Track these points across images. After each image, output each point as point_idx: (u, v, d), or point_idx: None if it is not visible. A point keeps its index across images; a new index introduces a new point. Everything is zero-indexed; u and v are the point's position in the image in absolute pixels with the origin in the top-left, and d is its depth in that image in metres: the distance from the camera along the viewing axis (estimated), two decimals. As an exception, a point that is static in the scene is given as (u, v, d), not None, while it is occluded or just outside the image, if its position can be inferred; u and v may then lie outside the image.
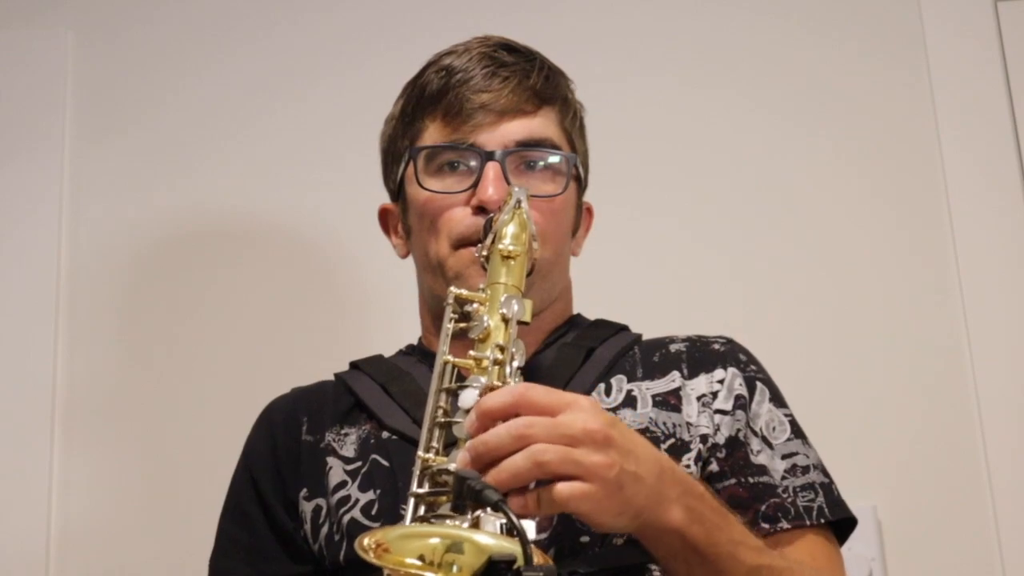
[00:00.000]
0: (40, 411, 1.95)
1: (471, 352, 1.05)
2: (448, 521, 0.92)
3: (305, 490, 1.25)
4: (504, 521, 0.89)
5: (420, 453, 1.00)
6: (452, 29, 2.04)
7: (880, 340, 1.85)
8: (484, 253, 1.16)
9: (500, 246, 1.13)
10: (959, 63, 1.92)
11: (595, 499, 0.94)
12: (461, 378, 1.06)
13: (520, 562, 0.83)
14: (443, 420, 1.03)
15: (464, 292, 1.13)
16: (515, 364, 1.05)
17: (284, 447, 1.29)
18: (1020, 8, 1.94)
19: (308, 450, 1.27)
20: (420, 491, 0.98)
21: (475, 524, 0.90)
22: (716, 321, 1.85)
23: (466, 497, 0.89)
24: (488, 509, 0.89)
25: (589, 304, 1.40)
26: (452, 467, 0.95)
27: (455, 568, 0.85)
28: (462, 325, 1.11)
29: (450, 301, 1.13)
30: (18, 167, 2.07)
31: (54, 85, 2.10)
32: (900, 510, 1.78)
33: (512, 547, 0.84)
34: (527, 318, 1.08)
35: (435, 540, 0.87)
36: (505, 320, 1.07)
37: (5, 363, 1.98)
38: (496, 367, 1.03)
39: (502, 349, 1.04)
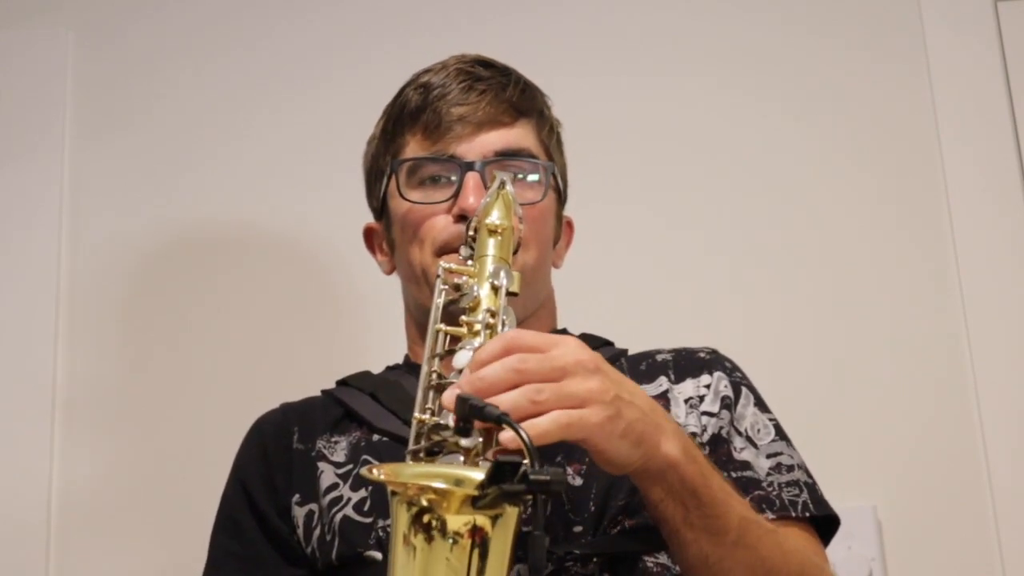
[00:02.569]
0: (40, 410, 1.95)
1: (463, 318, 1.06)
2: (448, 458, 0.93)
3: (298, 496, 1.25)
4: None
5: (416, 414, 1.01)
6: (452, 30, 2.05)
7: (880, 340, 1.85)
8: (471, 233, 1.15)
9: (487, 220, 1.14)
10: (959, 63, 1.92)
11: (596, 422, 0.94)
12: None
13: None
14: (437, 382, 1.03)
15: (453, 266, 1.13)
16: (506, 329, 1.05)
17: (275, 456, 1.29)
18: (1020, 8, 1.94)
19: (300, 458, 1.27)
20: (416, 447, 0.99)
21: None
22: (715, 320, 1.86)
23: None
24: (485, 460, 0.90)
25: (576, 316, 1.40)
26: (449, 421, 0.96)
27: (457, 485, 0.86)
28: (452, 297, 1.11)
29: (440, 273, 1.13)
30: (18, 167, 2.07)
31: (54, 85, 2.10)
32: (900, 510, 1.77)
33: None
34: (516, 288, 1.09)
35: (439, 483, 0.87)
36: (495, 288, 1.08)
37: (5, 363, 1.98)
38: (488, 330, 1.04)
39: (493, 314, 1.05)
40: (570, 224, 1.43)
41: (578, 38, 2.02)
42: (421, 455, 0.98)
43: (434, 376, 1.04)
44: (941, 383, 1.82)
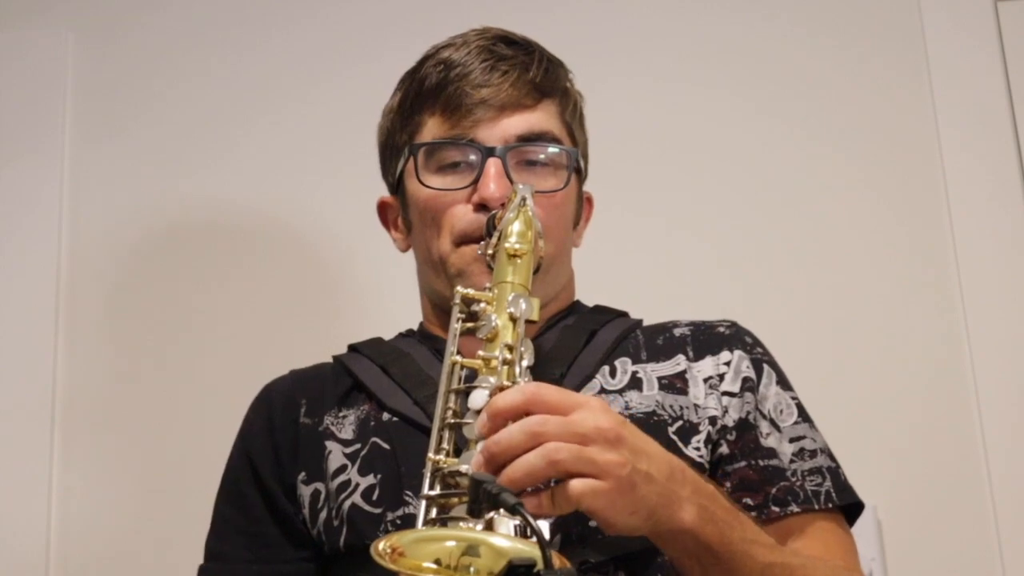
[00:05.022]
0: (40, 412, 1.96)
1: (480, 352, 1.04)
2: (462, 524, 0.91)
3: (304, 474, 1.23)
4: (518, 523, 0.88)
5: (430, 455, 0.99)
6: (453, 28, 2.05)
7: (880, 340, 1.85)
8: (490, 252, 1.15)
9: (506, 244, 1.12)
10: (959, 63, 1.92)
11: (609, 496, 0.93)
12: (470, 378, 1.05)
13: (540, 565, 0.82)
14: (453, 421, 1.02)
15: (471, 292, 1.11)
16: (524, 363, 1.04)
17: (282, 429, 1.27)
18: (1020, 8, 1.94)
19: (306, 433, 1.25)
20: (432, 493, 0.97)
21: (489, 526, 0.90)
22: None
23: (483, 501, 0.88)
24: (503, 511, 0.88)
25: (590, 296, 1.39)
26: (465, 468, 0.95)
27: (472, 571, 0.84)
28: (469, 325, 1.10)
29: (457, 301, 1.12)
30: (18, 167, 2.07)
31: (54, 85, 2.11)
32: (900, 510, 1.78)
33: (530, 550, 0.84)
34: (535, 317, 1.07)
35: (451, 543, 0.86)
36: (513, 319, 1.06)
37: (5, 363, 1.99)
38: (505, 367, 1.02)
39: (511, 349, 1.03)
40: (590, 200, 1.39)
41: (579, 39, 2.01)
42: (433, 512, 0.96)
43: (449, 414, 1.02)
44: (941, 383, 1.82)
